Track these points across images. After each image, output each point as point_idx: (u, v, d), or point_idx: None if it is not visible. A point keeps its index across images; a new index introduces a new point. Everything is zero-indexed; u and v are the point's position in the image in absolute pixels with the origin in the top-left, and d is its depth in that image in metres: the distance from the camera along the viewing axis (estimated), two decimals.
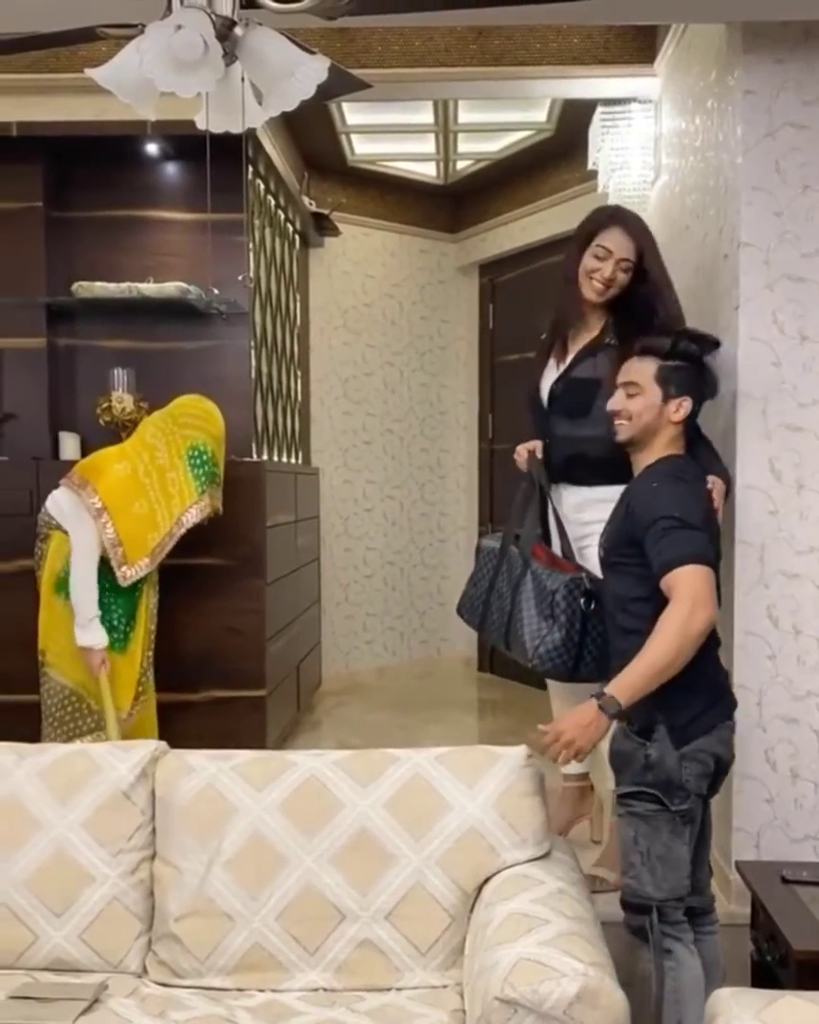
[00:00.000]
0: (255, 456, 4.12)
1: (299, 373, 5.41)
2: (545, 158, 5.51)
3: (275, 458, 4.63)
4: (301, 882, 2.27)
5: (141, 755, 2.44)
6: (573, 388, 2.97)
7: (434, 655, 6.41)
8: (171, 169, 4.04)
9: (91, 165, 3.97)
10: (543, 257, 5.80)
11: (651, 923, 2.27)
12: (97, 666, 3.21)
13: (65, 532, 3.25)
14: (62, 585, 3.26)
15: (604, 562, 2.48)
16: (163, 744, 2.56)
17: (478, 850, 2.30)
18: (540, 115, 4.95)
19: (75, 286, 3.83)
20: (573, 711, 2.25)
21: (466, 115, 4.98)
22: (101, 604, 3.22)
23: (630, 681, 2.22)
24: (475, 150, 5.59)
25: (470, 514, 6.51)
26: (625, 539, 2.37)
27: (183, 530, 3.32)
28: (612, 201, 4.21)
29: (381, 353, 6.25)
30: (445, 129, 5.17)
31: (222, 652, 3.53)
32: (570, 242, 3.02)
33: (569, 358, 3.01)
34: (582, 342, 3.01)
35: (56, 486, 3.30)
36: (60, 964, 2.30)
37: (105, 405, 3.84)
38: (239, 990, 2.24)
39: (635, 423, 2.42)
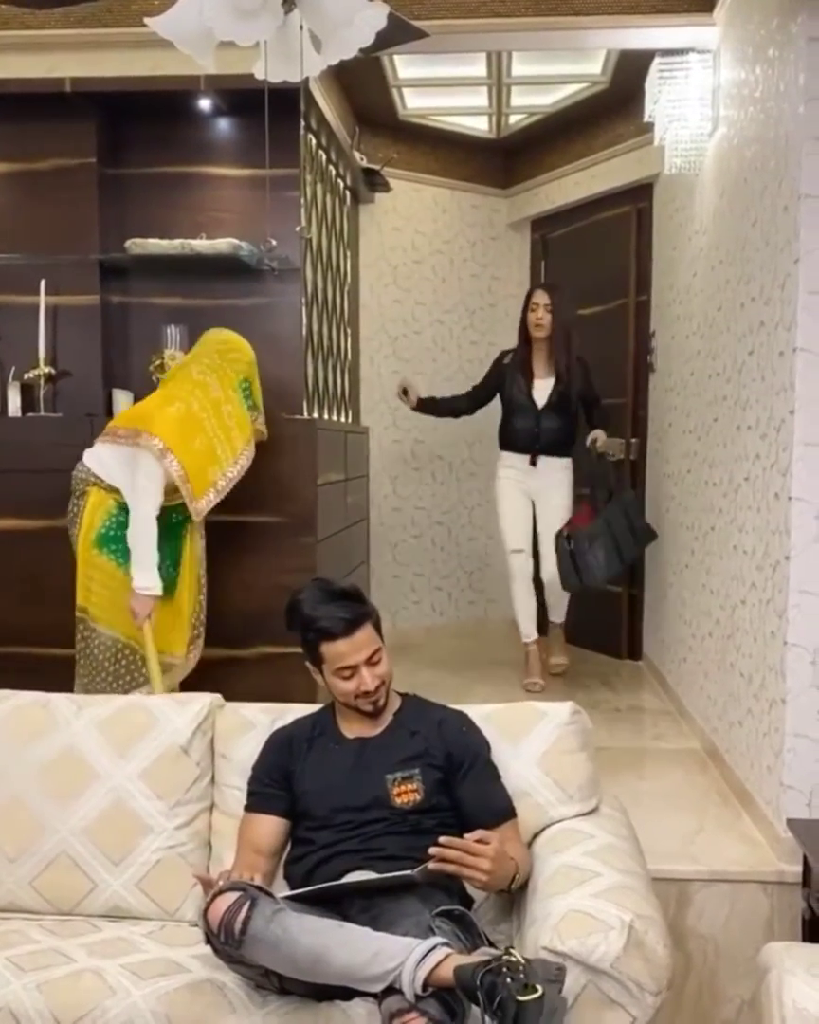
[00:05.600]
0: (306, 414, 4.11)
1: (349, 331, 5.39)
2: (599, 111, 5.41)
3: (325, 416, 4.63)
4: None
5: (198, 709, 2.49)
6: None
7: (481, 615, 6.41)
8: (224, 125, 4.01)
9: (144, 121, 3.95)
10: (596, 212, 5.71)
11: None
12: (145, 612, 3.13)
13: (106, 489, 3.21)
14: (103, 540, 3.22)
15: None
16: (218, 697, 2.59)
17: (525, 807, 2.33)
18: (595, 67, 4.86)
19: (128, 243, 3.83)
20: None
21: (519, 68, 4.90)
22: None
23: None
24: (528, 104, 5.51)
25: None
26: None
27: (249, 462, 3.33)
28: (667, 154, 4.16)
29: (431, 311, 6.21)
30: (498, 82, 5.09)
31: (272, 609, 3.51)
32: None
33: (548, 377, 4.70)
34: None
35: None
36: (118, 911, 2.36)
37: (157, 362, 3.85)
38: None
39: (388, 685, 2.42)
